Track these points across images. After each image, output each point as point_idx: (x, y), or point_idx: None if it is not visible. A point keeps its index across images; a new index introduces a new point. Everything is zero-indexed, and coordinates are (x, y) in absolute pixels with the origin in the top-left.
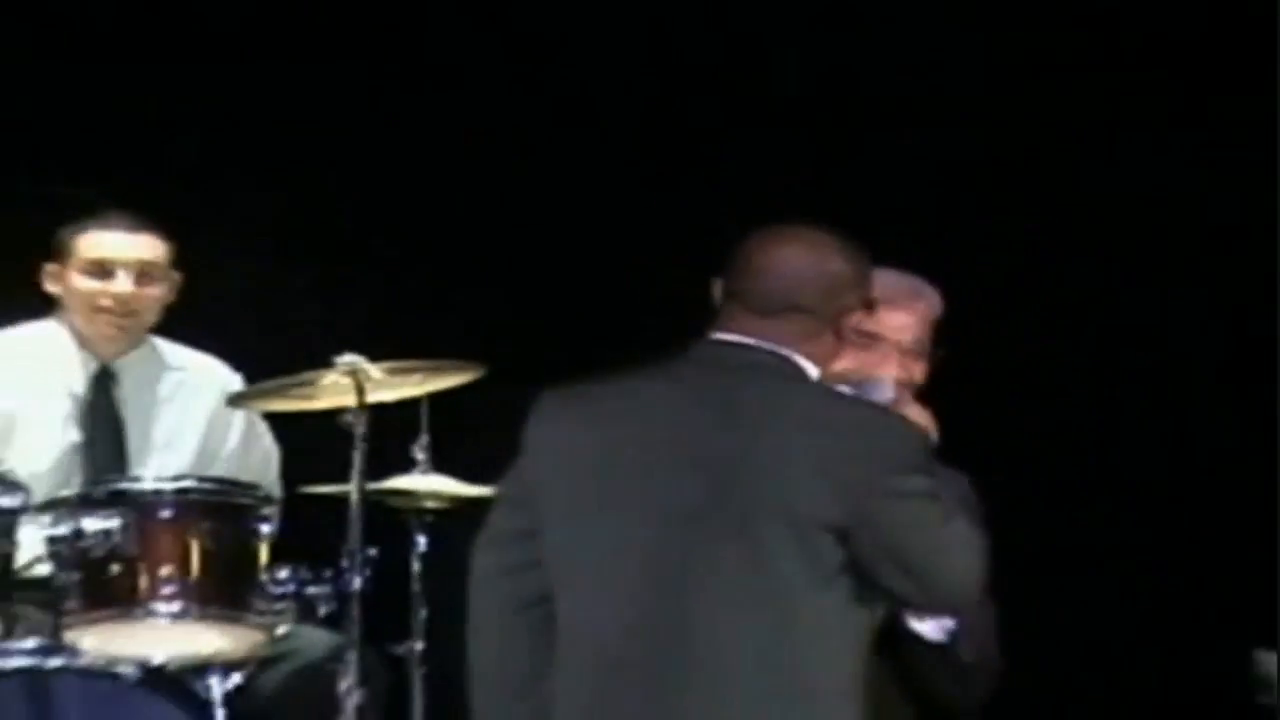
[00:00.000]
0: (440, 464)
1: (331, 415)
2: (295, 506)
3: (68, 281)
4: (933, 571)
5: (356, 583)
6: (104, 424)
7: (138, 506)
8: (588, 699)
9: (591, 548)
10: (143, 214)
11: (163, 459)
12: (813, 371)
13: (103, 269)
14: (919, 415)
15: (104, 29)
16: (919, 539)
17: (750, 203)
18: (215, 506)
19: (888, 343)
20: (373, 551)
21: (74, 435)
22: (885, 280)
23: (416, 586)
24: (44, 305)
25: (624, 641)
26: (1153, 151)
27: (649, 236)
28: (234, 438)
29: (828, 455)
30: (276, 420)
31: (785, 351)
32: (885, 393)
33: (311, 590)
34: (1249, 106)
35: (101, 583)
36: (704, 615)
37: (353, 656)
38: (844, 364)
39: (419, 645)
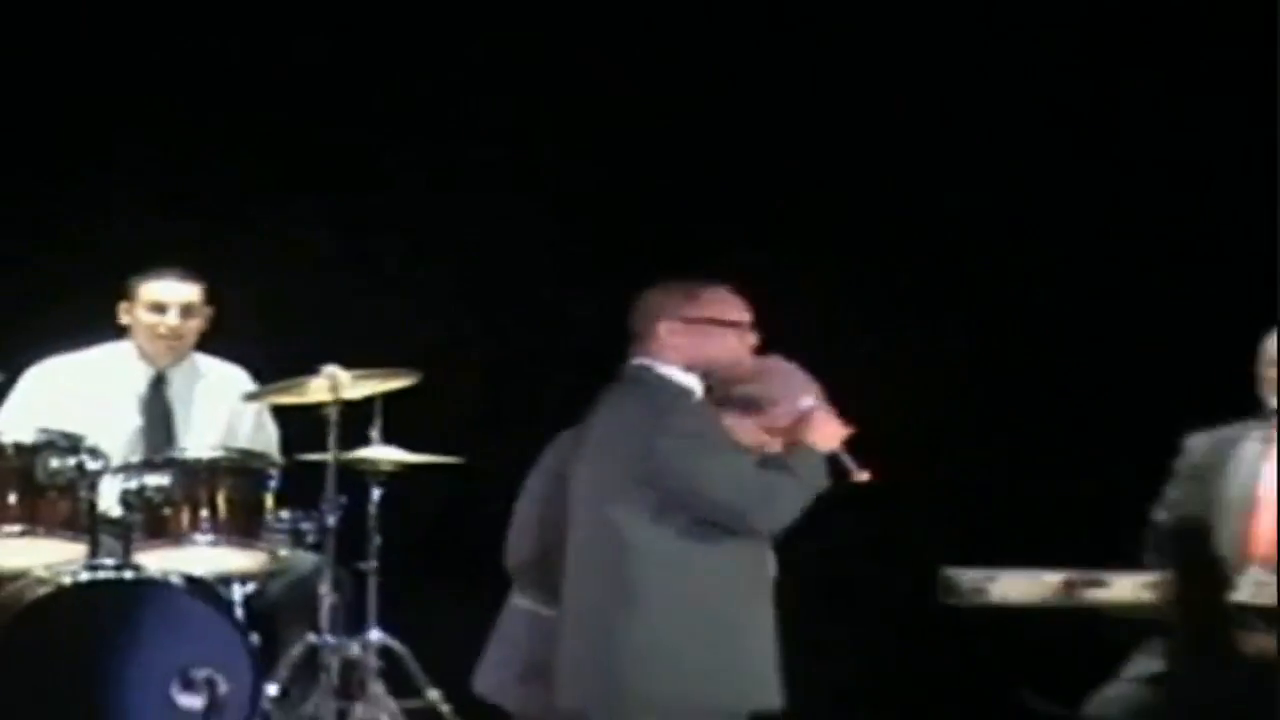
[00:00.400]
0: (389, 439)
1: (317, 407)
2: (291, 469)
3: (135, 315)
4: (725, 507)
5: (332, 520)
6: (158, 413)
7: (183, 469)
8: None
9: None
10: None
11: (199, 437)
12: (668, 369)
13: (159, 308)
14: (830, 416)
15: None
16: (697, 483)
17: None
18: (236, 469)
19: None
20: (343, 499)
21: (138, 421)
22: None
23: (372, 524)
24: (118, 330)
25: (572, 562)
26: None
27: (558, 264)
28: (248, 422)
29: (626, 430)
30: (277, 410)
31: (643, 360)
32: (807, 401)
33: (302, 525)
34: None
35: (158, 520)
36: (590, 554)
37: (329, 571)
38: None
39: (374, 563)
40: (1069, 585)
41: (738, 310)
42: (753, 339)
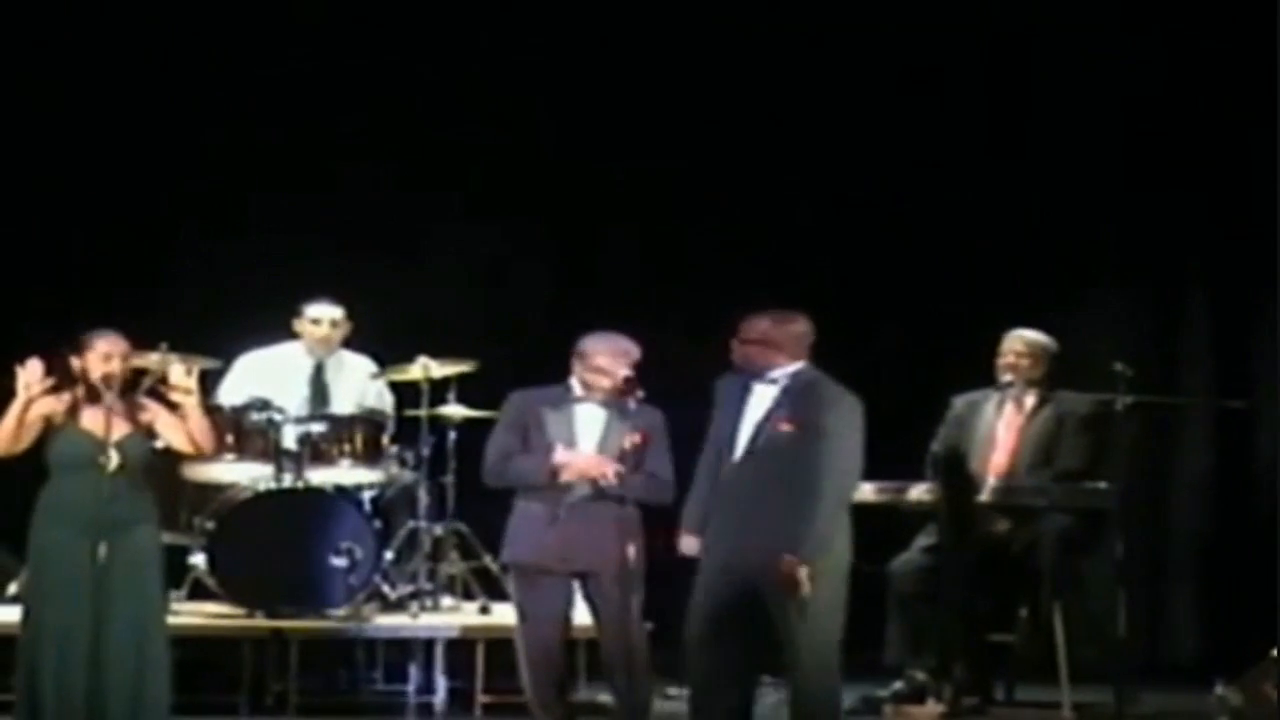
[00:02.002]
0: (459, 402)
1: (415, 382)
2: (400, 420)
3: (302, 326)
4: None
5: (425, 451)
6: (318, 387)
7: (334, 421)
8: None
9: None
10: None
11: (343, 401)
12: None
13: (317, 322)
14: None
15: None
16: None
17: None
18: (365, 420)
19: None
20: (432, 437)
21: (306, 391)
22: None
23: (449, 452)
24: (291, 334)
25: None
26: None
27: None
28: (373, 392)
29: None
30: (391, 384)
31: None
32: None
33: (406, 454)
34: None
35: (318, 451)
36: None
37: (423, 482)
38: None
39: (451, 478)
40: (882, 490)
41: None
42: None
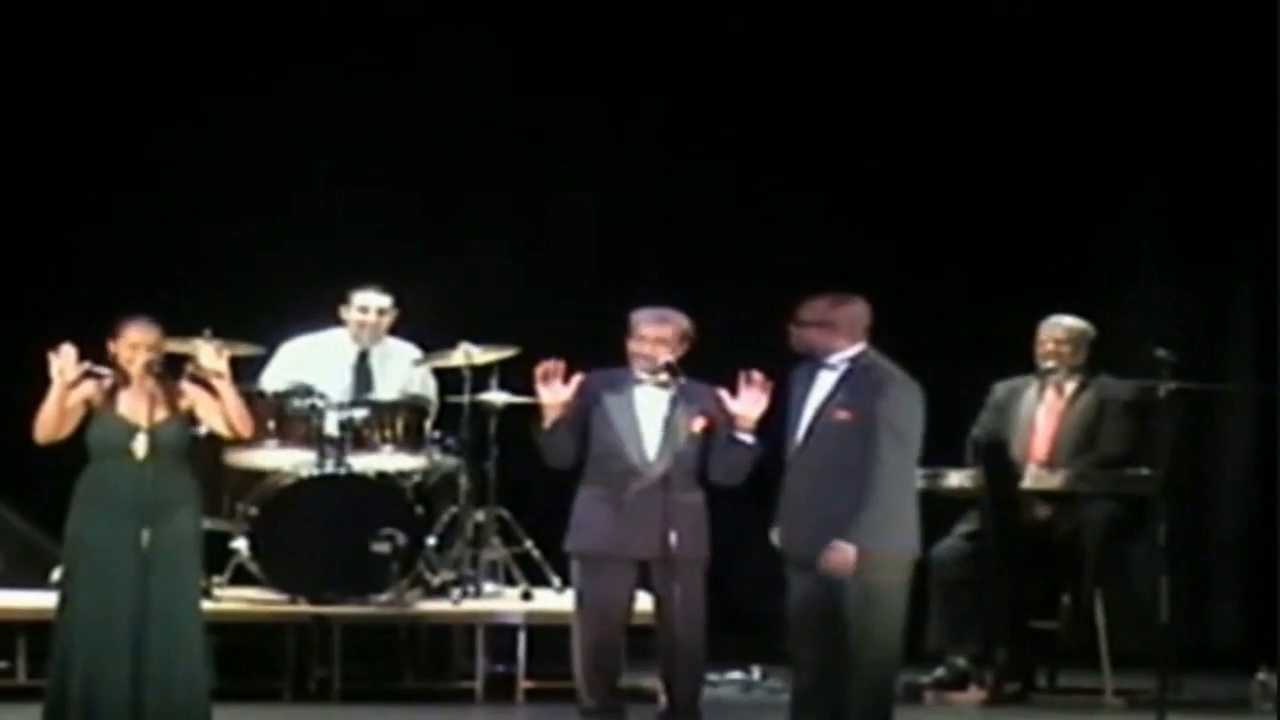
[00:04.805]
0: (501, 388)
1: (458, 368)
2: (442, 408)
3: (349, 314)
4: None
5: (466, 437)
6: (362, 373)
7: (377, 407)
8: None
9: None
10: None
11: (386, 389)
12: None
13: (363, 309)
14: None
15: None
16: None
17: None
18: (408, 406)
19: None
20: (474, 423)
21: (349, 377)
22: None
23: (490, 439)
24: (337, 320)
25: None
26: None
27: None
28: (417, 378)
29: None
30: (435, 370)
31: None
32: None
33: (448, 441)
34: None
35: (361, 437)
36: None
37: (464, 468)
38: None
39: (492, 463)
40: (922, 476)
41: None
42: None
